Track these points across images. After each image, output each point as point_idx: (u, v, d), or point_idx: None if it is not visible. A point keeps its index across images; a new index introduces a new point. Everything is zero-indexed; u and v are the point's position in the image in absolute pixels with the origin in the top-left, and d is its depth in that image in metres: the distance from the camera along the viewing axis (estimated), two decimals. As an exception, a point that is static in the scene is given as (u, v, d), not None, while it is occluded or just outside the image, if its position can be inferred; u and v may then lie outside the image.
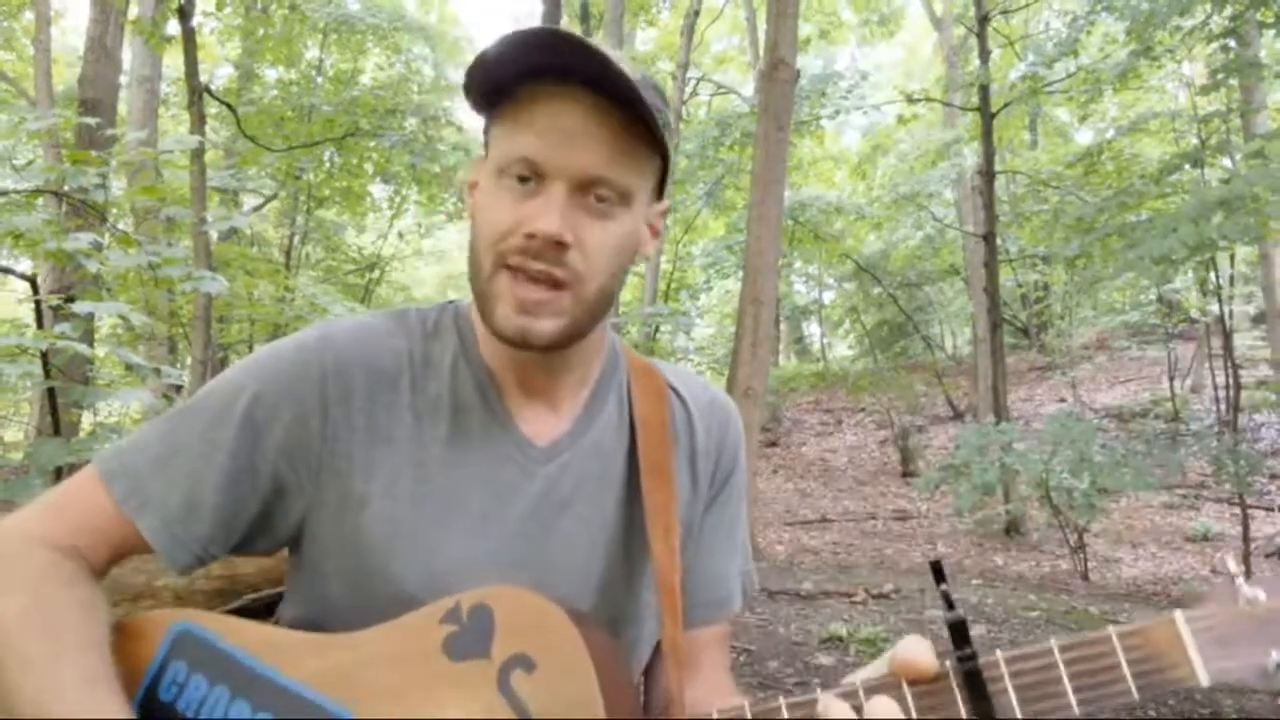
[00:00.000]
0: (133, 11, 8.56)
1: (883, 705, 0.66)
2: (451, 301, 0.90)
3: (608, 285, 0.79)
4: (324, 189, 13.67)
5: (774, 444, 14.60)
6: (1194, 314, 12.80)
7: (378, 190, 14.77)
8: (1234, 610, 0.64)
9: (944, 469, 7.84)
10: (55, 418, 2.90)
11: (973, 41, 10.49)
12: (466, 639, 0.72)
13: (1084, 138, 16.52)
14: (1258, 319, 13.02)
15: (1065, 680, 0.64)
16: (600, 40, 0.75)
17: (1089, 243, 8.26)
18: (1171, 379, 12.37)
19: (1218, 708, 3.29)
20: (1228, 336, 8.28)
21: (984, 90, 9.54)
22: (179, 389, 5.52)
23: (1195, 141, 8.94)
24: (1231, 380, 7.64)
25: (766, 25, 6.63)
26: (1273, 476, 9.45)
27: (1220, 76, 7.16)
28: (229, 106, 10.10)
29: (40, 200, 4.65)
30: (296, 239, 14.30)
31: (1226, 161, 8.53)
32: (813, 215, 14.79)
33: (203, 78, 6.93)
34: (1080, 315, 16.12)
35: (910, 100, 10.68)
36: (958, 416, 14.29)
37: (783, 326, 19.97)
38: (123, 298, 4.67)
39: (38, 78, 9.76)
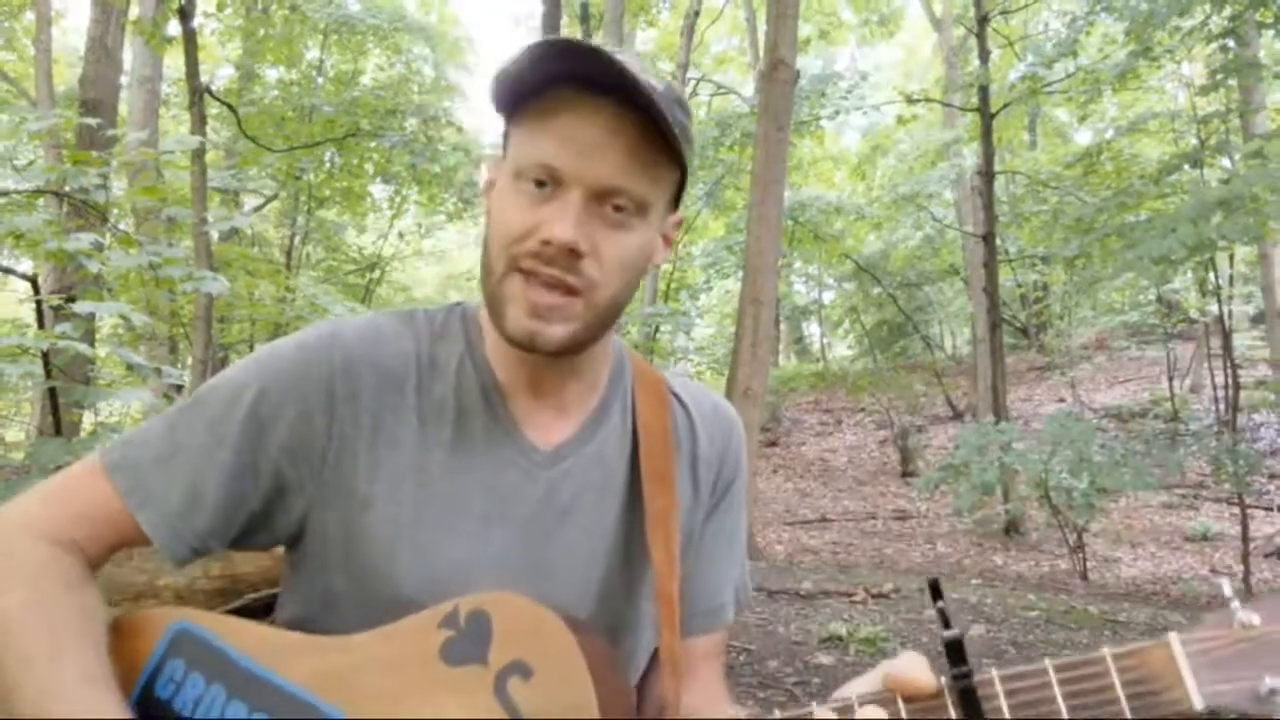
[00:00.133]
0: (134, 12, 8.56)
1: (872, 711, 0.66)
2: (459, 303, 0.90)
3: (620, 295, 0.79)
4: (324, 189, 13.67)
5: (774, 444, 14.60)
6: (1193, 314, 12.81)
7: (378, 190, 14.78)
8: (1229, 634, 0.64)
9: (943, 469, 7.84)
10: (56, 418, 2.91)
11: (972, 42, 10.50)
12: (464, 644, 0.72)
13: (1083, 138, 16.52)
14: (1257, 319, 13.02)
15: (1059, 700, 0.64)
16: (603, 41, 0.75)
17: (1088, 243, 8.27)
18: (1171, 379, 12.38)
19: None
20: (1227, 336, 8.29)
21: (983, 91, 9.55)
22: (180, 389, 5.52)
23: (1194, 142, 8.95)
24: (1230, 380, 7.65)
25: (766, 26, 6.63)
26: (1272, 476, 9.46)
27: (1219, 77, 7.17)
28: (230, 107, 10.12)
29: (41, 200, 4.66)
30: (297, 239, 14.31)
31: (1226, 162, 8.53)
32: (813, 215, 14.78)
33: (203, 78, 6.94)
34: (1079, 315, 16.13)
35: (910, 101, 10.70)
36: (957, 416, 14.30)
37: (783, 326, 19.97)
38: (124, 298, 4.68)
39: (38, 78, 9.78)
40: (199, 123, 6.10)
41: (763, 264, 6.12)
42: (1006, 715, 0.65)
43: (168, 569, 1.09)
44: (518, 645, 0.71)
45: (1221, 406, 10.59)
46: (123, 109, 9.75)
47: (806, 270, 19.54)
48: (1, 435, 11.99)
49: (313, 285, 10.11)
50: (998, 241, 10.04)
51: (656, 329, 12.23)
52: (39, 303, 2.94)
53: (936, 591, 0.71)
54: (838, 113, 13.06)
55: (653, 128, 0.75)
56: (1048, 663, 0.65)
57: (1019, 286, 16.51)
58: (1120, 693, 0.64)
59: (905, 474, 12.15)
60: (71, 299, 3.04)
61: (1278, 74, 7.95)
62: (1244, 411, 9.82)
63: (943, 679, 0.67)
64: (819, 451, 14.53)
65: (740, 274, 7.65)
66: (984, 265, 9.79)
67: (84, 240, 2.95)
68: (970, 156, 13.76)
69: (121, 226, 5.38)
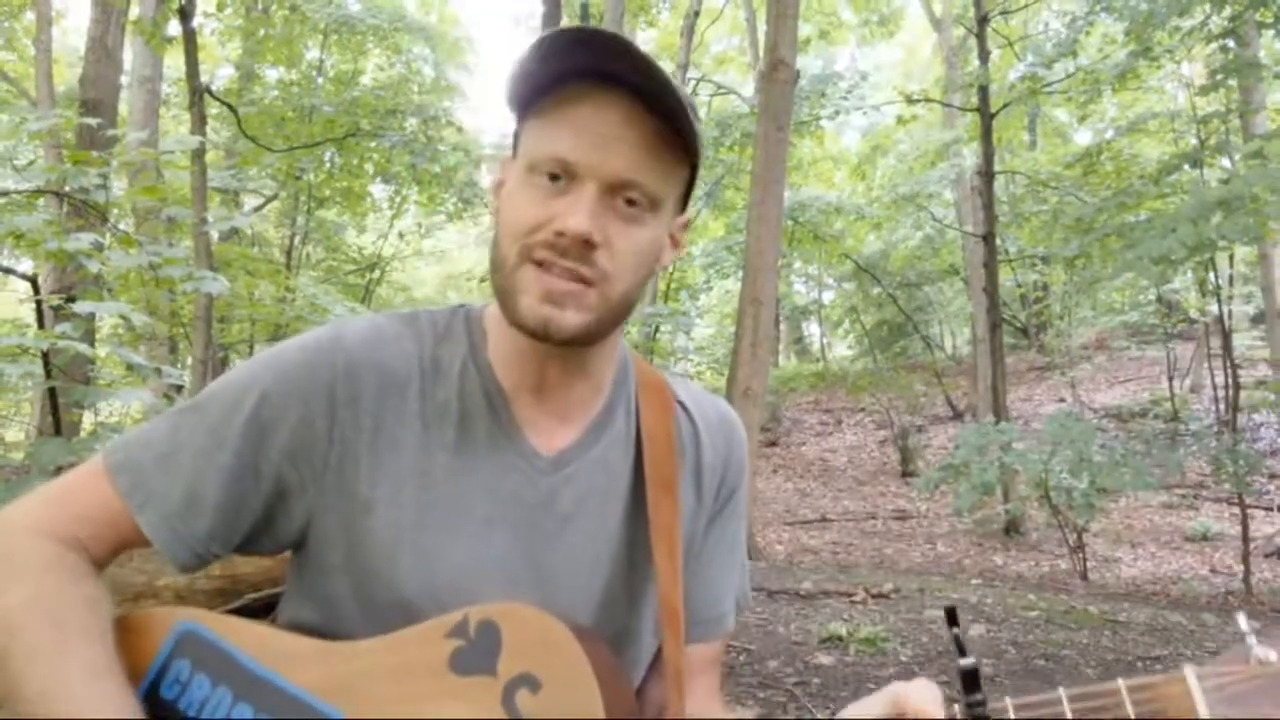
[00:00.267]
0: (134, 12, 8.56)
1: None
2: (462, 305, 0.90)
3: (631, 289, 0.79)
4: (324, 189, 13.67)
5: (774, 444, 14.61)
6: (1193, 314, 12.81)
7: (378, 190, 14.77)
8: (1245, 669, 0.64)
9: (943, 469, 7.84)
10: (56, 418, 2.90)
11: (972, 42, 10.50)
12: (473, 654, 0.72)
13: (1083, 138, 16.51)
14: (1257, 319, 13.03)
15: None
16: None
17: (1088, 243, 8.28)
18: (1171, 379, 12.38)
19: None
20: (1227, 336, 8.29)
21: (983, 91, 9.55)
22: (180, 389, 5.53)
23: (1194, 142, 8.96)
24: (1230, 380, 7.64)
25: (766, 26, 6.64)
26: (1272, 476, 9.46)
27: (1219, 77, 7.17)
28: (230, 107, 10.11)
29: (41, 200, 4.66)
30: (297, 239, 14.30)
31: (1225, 162, 8.54)
32: (812, 215, 14.78)
33: (203, 78, 6.94)
34: (1079, 315, 16.13)
35: (910, 101, 10.70)
36: (957, 416, 14.30)
37: (782, 326, 19.97)
38: (124, 298, 4.68)
39: (39, 78, 9.78)
40: (199, 123, 6.10)
41: (763, 264, 6.12)
42: None
43: (167, 569, 1.08)
44: (527, 657, 0.71)
45: (1221, 406, 10.60)
46: (123, 109, 9.75)
47: (806, 270, 19.54)
48: (1, 435, 11.99)
49: (313, 285, 10.10)
50: (998, 241, 10.04)
51: (656, 329, 12.23)
52: (39, 303, 2.94)
53: (953, 618, 0.71)
54: (838, 113, 13.06)
55: (669, 123, 0.75)
56: (1062, 691, 0.65)
57: (1019, 286, 16.51)
58: None
59: (905, 474, 12.16)
60: (71, 299, 3.04)
61: (1278, 74, 7.96)
62: (1244, 411, 9.82)
63: (955, 707, 0.66)
64: (819, 451, 14.53)
65: (740, 274, 7.66)
66: (984, 265, 9.79)
67: (84, 240, 2.94)
68: (970, 156, 13.76)
69: (121, 226, 5.38)
